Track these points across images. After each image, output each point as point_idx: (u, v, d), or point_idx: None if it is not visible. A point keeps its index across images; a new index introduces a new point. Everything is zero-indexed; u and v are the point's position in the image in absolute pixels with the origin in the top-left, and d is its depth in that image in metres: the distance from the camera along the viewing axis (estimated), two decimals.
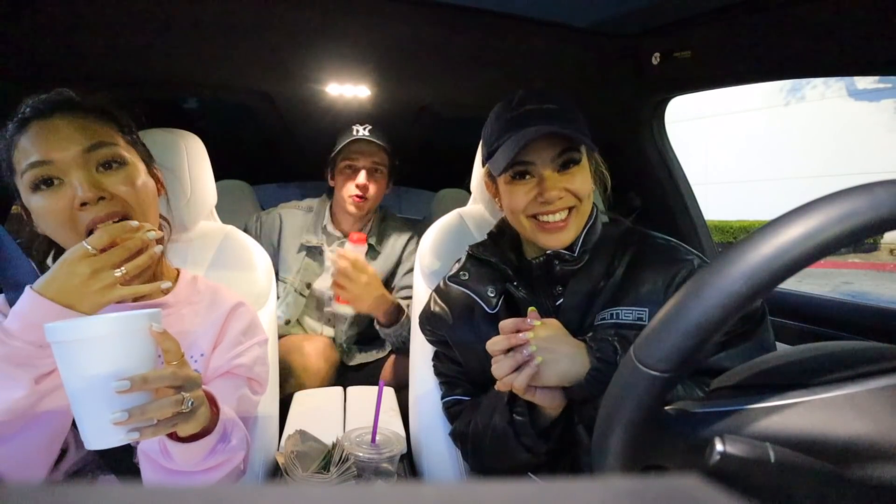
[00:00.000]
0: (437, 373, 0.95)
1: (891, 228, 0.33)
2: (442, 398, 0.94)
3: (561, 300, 0.81)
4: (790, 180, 10.20)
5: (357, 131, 1.45)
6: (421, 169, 1.73)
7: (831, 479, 0.35)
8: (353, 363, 1.52)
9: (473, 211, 1.16)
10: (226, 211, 1.54)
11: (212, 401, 0.61)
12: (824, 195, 0.35)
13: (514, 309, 0.82)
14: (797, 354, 0.43)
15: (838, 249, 0.35)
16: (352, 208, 1.44)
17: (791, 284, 0.66)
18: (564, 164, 0.78)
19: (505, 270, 0.85)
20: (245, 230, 1.53)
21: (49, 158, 0.63)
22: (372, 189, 1.44)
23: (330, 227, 1.51)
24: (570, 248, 0.80)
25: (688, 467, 0.41)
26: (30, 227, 0.70)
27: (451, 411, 0.92)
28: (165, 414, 0.52)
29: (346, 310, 1.34)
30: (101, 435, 0.51)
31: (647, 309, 0.75)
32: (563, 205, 0.77)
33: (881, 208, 0.33)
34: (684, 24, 0.99)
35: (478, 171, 1.13)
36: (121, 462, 0.70)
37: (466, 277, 0.85)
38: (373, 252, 1.52)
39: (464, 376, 0.91)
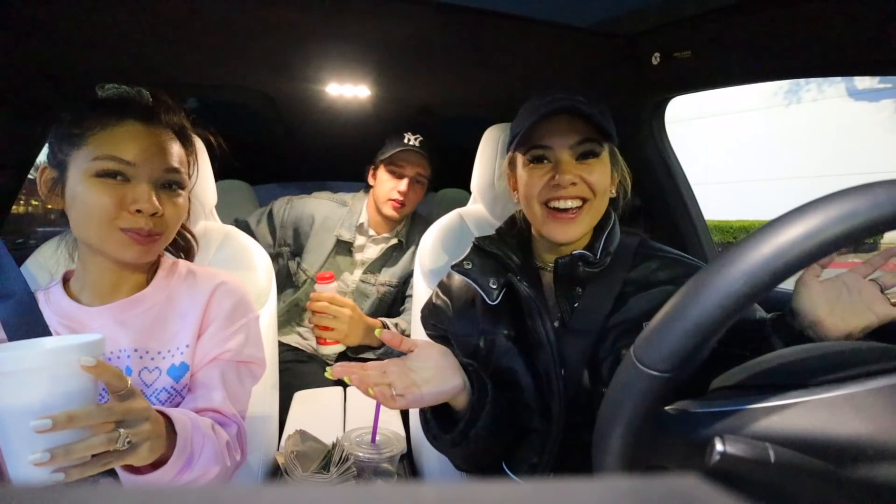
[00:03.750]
0: None
1: (891, 228, 0.33)
2: None
3: (579, 301, 0.81)
4: (790, 180, 10.18)
5: (409, 140, 1.50)
6: None
7: (831, 479, 0.35)
8: (361, 355, 1.53)
9: (473, 211, 1.15)
10: (226, 211, 1.54)
11: (172, 423, 0.58)
12: (824, 195, 0.35)
13: (516, 303, 0.81)
14: (797, 354, 0.43)
15: (838, 249, 0.35)
16: (389, 211, 1.50)
17: (791, 285, 0.66)
18: (584, 154, 0.78)
19: (509, 264, 0.84)
20: (270, 211, 1.58)
21: (131, 160, 0.66)
22: (411, 196, 1.51)
23: (366, 225, 1.56)
24: (592, 249, 0.80)
25: (688, 467, 0.41)
26: (33, 228, 0.70)
27: None
28: (95, 451, 0.48)
29: (333, 350, 1.32)
30: (24, 474, 0.47)
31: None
32: (577, 192, 0.77)
33: (881, 208, 0.33)
34: (684, 24, 0.98)
35: (478, 171, 1.13)
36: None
37: (470, 267, 0.85)
38: (399, 250, 1.58)
39: None
